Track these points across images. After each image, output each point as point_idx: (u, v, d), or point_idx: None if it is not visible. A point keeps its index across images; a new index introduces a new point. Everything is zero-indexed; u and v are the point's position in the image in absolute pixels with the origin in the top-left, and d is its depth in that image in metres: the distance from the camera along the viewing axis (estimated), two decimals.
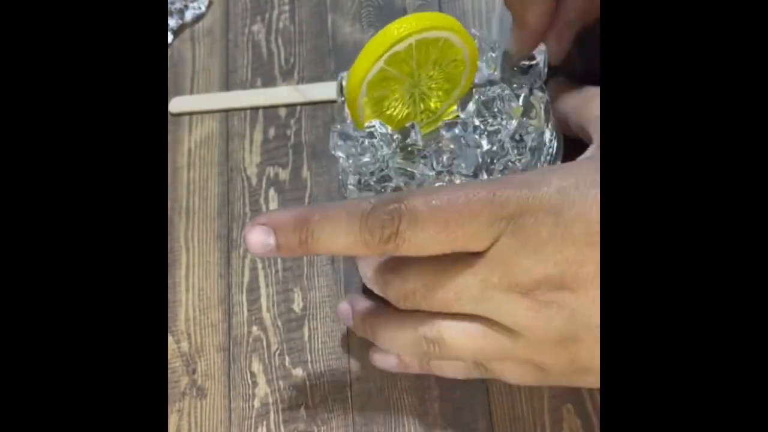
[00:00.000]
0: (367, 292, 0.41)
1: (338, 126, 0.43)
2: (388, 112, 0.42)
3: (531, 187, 0.33)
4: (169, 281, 0.48)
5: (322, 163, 0.49)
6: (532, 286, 0.33)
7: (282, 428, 0.44)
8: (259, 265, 0.48)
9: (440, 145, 0.40)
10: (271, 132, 0.51)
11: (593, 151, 0.38)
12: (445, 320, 0.36)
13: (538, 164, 0.41)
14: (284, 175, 0.50)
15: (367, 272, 0.38)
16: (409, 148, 0.41)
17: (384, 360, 0.41)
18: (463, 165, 0.40)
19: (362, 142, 0.40)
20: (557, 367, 0.35)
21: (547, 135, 0.42)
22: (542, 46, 0.43)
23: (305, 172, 0.50)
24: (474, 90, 0.42)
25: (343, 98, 0.44)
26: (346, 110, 0.43)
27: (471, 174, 0.40)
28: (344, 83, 0.43)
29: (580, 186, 0.33)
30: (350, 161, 0.41)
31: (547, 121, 0.41)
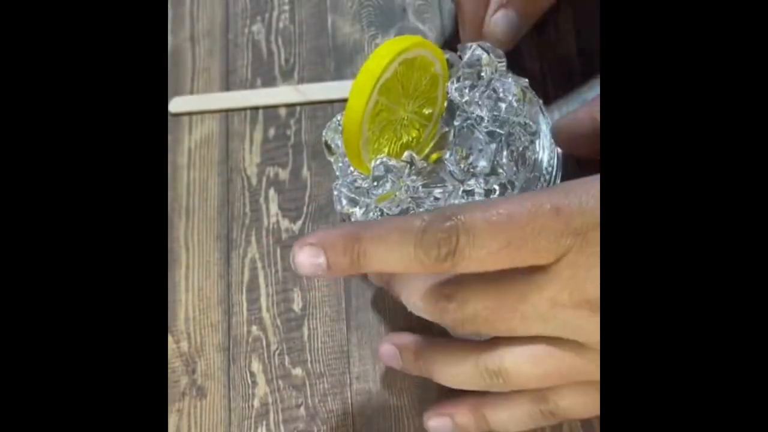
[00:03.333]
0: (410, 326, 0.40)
1: (339, 181, 0.42)
2: (386, 149, 0.41)
3: (599, 199, 0.31)
4: (169, 281, 0.48)
5: (322, 163, 0.49)
6: None
7: (282, 428, 0.44)
8: (259, 265, 0.48)
9: (455, 149, 0.40)
10: (271, 132, 0.51)
11: None
12: (507, 346, 0.34)
13: (546, 163, 0.41)
14: (284, 175, 0.50)
15: (416, 301, 0.36)
16: (422, 172, 0.41)
17: (440, 425, 0.39)
18: (481, 163, 0.40)
19: (380, 181, 0.40)
20: None
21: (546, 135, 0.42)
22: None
23: (305, 172, 0.50)
24: (474, 85, 0.42)
25: (333, 155, 0.43)
26: (342, 162, 0.43)
27: (489, 170, 0.40)
28: (337, 133, 0.42)
29: None
30: (364, 210, 0.41)
31: (534, 102, 0.42)
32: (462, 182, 0.40)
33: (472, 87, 0.42)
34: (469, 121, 0.41)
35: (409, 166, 0.40)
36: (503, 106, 0.40)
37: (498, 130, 0.40)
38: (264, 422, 0.44)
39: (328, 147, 0.43)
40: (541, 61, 0.48)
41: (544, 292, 0.32)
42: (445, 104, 0.43)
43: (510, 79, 0.41)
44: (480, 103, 0.41)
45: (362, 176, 0.41)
